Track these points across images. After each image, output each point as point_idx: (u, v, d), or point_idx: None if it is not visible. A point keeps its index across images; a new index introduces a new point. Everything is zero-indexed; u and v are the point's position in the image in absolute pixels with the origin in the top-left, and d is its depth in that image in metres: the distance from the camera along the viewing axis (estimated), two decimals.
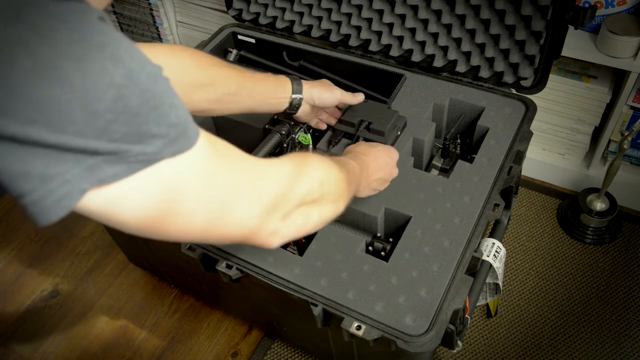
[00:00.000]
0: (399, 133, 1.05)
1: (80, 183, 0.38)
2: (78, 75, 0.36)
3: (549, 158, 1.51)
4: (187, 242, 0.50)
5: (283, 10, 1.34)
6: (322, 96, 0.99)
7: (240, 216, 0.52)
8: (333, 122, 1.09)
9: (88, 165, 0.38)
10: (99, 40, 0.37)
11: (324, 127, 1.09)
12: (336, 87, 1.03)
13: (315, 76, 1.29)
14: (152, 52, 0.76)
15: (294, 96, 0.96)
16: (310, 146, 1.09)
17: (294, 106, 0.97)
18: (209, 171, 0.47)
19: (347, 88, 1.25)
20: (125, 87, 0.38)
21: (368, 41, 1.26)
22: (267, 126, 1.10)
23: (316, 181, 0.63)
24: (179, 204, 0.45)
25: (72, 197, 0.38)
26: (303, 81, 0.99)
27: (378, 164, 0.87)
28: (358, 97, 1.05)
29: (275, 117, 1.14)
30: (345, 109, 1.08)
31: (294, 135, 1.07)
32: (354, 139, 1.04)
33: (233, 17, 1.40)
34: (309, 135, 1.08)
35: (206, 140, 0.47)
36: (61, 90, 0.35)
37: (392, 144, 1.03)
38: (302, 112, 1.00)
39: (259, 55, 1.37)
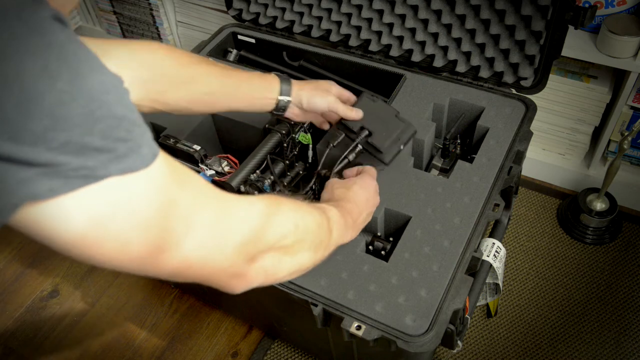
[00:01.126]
0: (402, 147, 0.93)
1: (9, 198, 0.34)
2: (13, 72, 0.33)
3: (549, 158, 1.51)
4: (129, 273, 0.47)
5: (283, 10, 1.34)
6: (311, 100, 0.91)
7: (198, 254, 0.47)
8: None
9: (20, 178, 0.34)
10: (45, 39, 0.34)
11: (328, 127, 1.01)
12: (331, 92, 0.94)
13: (315, 76, 1.29)
14: (129, 48, 0.73)
15: (280, 98, 0.90)
16: (311, 144, 1.09)
17: (280, 108, 0.91)
18: (164, 198, 0.43)
19: (347, 88, 1.26)
20: (68, 93, 0.35)
21: (368, 41, 1.26)
22: (267, 126, 1.10)
23: (290, 225, 0.59)
24: (123, 231, 0.41)
25: (0, 212, 0.35)
26: (295, 81, 0.91)
27: (360, 208, 0.82)
28: (356, 114, 0.93)
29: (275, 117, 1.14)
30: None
31: (294, 135, 1.07)
32: (352, 146, 0.95)
33: (233, 17, 1.40)
34: (308, 134, 1.08)
35: (166, 165, 0.43)
36: None
37: (391, 159, 0.94)
38: (292, 114, 0.94)
39: (259, 55, 1.37)
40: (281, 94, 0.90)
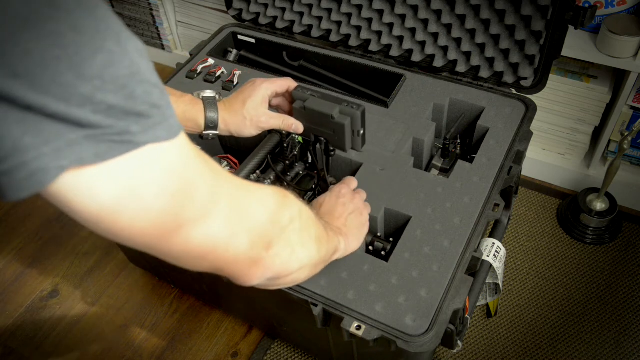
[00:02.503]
0: (362, 131, 0.89)
1: (58, 159, 0.34)
2: (71, 30, 0.32)
3: (549, 158, 1.51)
4: (149, 251, 0.46)
5: (283, 10, 1.34)
6: (240, 132, 0.88)
7: (221, 232, 0.47)
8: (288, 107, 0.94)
9: (68, 140, 0.34)
10: (88, 1, 0.34)
11: (292, 124, 0.91)
12: (264, 113, 0.87)
13: (315, 76, 1.29)
14: None
15: (205, 132, 0.86)
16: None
17: (208, 138, 0.88)
18: (191, 170, 0.43)
19: (347, 88, 1.26)
20: (116, 54, 0.35)
21: (368, 41, 1.26)
22: None
23: (296, 210, 0.59)
24: (155, 201, 0.41)
25: (47, 173, 0.34)
26: (220, 111, 0.86)
27: (335, 214, 0.81)
28: (295, 128, 0.90)
29: None
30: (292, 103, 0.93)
31: (294, 135, 1.07)
32: (325, 163, 0.95)
33: (233, 17, 1.40)
34: None
35: (188, 142, 0.43)
36: (52, 44, 0.32)
37: (363, 143, 0.92)
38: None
39: (259, 55, 1.37)
40: (206, 129, 0.86)
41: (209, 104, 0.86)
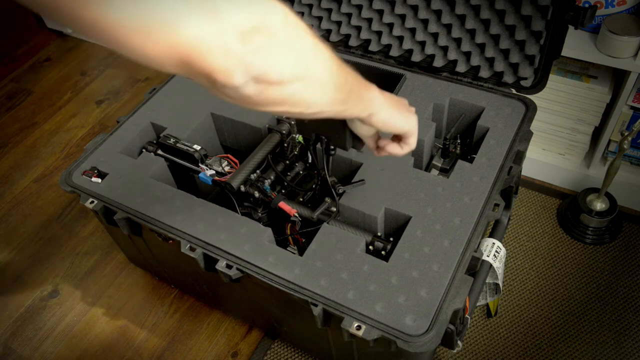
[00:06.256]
0: None
1: None
2: None
3: (549, 158, 1.51)
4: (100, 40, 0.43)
5: None
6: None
7: (194, 29, 0.43)
8: None
9: None
10: None
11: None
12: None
13: None
14: None
15: None
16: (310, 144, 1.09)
17: None
18: None
19: None
20: None
21: (368, 41, 1.26)
22: (268, 125, 1.11)
23: (279, 14, 0.49)
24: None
25: None
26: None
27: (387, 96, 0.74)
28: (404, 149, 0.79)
29: (276, 116, 1.14)
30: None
31: (294, 135, 1.07)
32: (326, 162, 0.94)
33: None
34: None
35: None
36: None
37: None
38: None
39: None
40: None
41: None
